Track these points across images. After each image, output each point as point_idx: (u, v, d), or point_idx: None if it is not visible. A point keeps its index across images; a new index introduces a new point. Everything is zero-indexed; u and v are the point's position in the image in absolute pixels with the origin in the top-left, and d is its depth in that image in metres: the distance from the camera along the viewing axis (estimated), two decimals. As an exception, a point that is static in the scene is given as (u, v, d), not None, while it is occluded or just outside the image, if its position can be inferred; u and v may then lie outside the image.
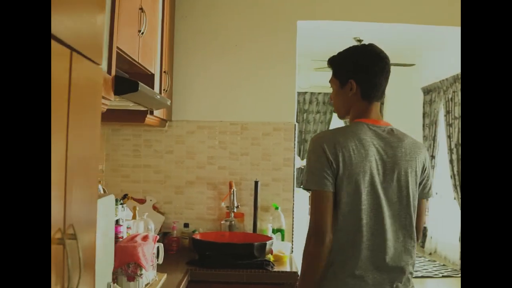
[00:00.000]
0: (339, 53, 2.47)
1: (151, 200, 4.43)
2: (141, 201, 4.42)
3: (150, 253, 3.12)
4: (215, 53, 4.49)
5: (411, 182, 2.33)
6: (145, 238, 3.20)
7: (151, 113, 3.69)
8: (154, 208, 4.43)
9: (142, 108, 3.55)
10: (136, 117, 3.67)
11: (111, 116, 3.58)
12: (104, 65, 2.57)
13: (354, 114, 2.41)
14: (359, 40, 8.41)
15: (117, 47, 2.74)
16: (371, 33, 7.78)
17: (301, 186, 2.37)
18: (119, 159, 4.48)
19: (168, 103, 3.58)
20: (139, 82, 2.73)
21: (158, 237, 3.35)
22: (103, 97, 2.57)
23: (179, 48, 4.49)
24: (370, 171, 2.25)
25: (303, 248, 2.29)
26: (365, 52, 2.39)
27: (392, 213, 2.29)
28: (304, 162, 5.97)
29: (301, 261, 2.31)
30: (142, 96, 2.91)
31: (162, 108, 3.67)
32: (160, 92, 3.97)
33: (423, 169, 2.40)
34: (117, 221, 3.33)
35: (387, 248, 2.27)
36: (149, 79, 3.65)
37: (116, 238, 3.19)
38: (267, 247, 3.81)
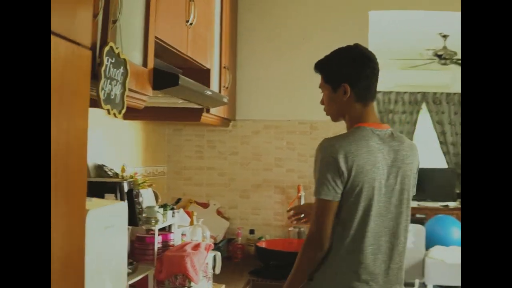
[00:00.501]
0: (327, 57, 2.45)
1: (214, 205, 4.18)
2: (205, 206, 4.18)
3: (201, 263, 2.85)
4: (282, 47, 4.19)
5: (411, 185, 2.38)
6: (196, 246, 2.93)
7: (208, 111, 3.43)
8: (218, 213, 4.18)
9: (196, 106, 3.29)
10: (191, 115, 3.42)
11: (162, 115, 3.36)
12: (138, 57, 2.32)
13: (352, 118, 2.38)
14: (445, 36, 7.85)
15: (157, 38, 2.49)
16: (457, 25, 7.22)
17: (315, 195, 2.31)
18: (181, 160, 4.25)
19: (225, 100, 3.30)
20: (180, 75, 2.46)
21: (212, 245, 3.08)
22: (139, 92, 2.33)
23: (242, 41, 4.22)
24: (378, 177, 2.26)
25: (300, 251, 2.33)
26: (354, 55, 2.38)
27: (395, 216, 2.32)
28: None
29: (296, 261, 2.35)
30: (186, 91, 2.64)
31: (218, 106, 3.41)
32: (220, 89, 3.71)
33: (417, 170, 2.45)
34: (169, 228, 3.09)
35: (390, 251, 2.31)
36: (204, 74, 3.40)
37: (167, 246, 2.95)
38: (336, 256, 3.46)
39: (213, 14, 3.46)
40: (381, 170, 2.26)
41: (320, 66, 2.47)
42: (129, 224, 2.56)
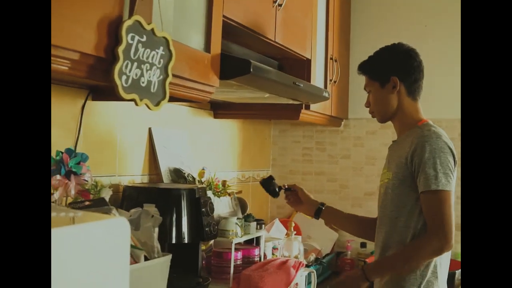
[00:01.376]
0: (370, 57, 2.34)
1: (323, 214, 3.72)
2: (312, 215, 3.74)
3: (285, 283, 2.42)
4: (401, 36, 3.61)
5: None
6: (282, 264, 2.51)
7: (307, 107, 2.99)
8: (327, 223, 3.71)
9: (292, 102, 2.87)
10: (288, 112, 3.02)
11: (254, 111, 3.01)
12: (197, 40, 1.95)
13: (407, 114, 2.25)
14: None
15: (227, 18, 2.11)
16: None
17: (434, 187, 2.06)
18: (287, 164, 3.84)
19: (326, 94, 2.85)
20: (253, 62, 2.06)
21: (303, 263, 2.64)
22: (199, 82, 1.95)
23: (356, 31, 3.74)
24: None
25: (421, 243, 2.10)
26: (399, 49, 2.29)
27: None
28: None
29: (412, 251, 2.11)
30: (265, 82, 2.23)
31: (317, 101, 2.95)
32: (325, 83, 3.27)
33: None
34: (256, 241, 2.69)
35: None
36: (303, 65, 2.98)
37: (250, 262, 2.56)
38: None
39: (313, -3, 3.02)
40: None
41: (364, 65, 2.33)
42: (195, 239, 2.21)
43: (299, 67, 2.96)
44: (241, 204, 2.82)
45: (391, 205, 2.19)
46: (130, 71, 1.50)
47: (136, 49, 1.52)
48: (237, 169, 3.36)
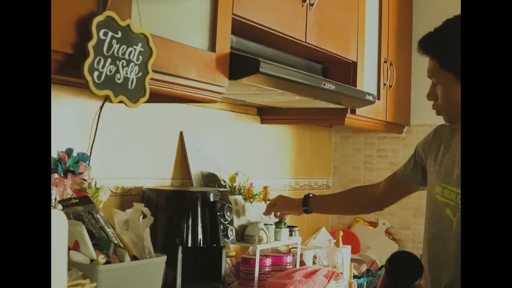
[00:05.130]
0: (442, 33, 1.73)
1: (384, 224, 3.58)
2: (373, 225, 3.60)
3: (314, 294, 2.33)
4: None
5: None
6: (310, 274, 2.41)
7: (353, 112, 2.88)
8: (388, 233, 3.56)
9: (334, 106, 2.78)
10: (333, 117, 2.94)
11: (298, 116, 2.96)
12: (197, 38, 1.91)
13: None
14: None
15: (239, 16, 2.06)
16: None
17: None
18: (349, 172, 3.72)
19: (369, 98, 2.73)
20: (262, 60, 2.00)
21: (337, 273, 2.53)
22: (205, 82, 1.91)
23: (419, 31, 3.55)
24: None
25: None
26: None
27: None
28: None
29: None
30: (279, 81, 2.15)
31: (361, 105, 2.83)
32: (378, 88, 3.14)
33: None
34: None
35: None
36: (347, 69, 2.87)
37: (280, 270, 2.48)
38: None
39: (358, -4, 2.91)
40: None
41: (437, 46, 1.74)
42: (210, 243, 2.16)
43: (344, 70, 2.87)
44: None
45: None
46: (103, 67, 1.49)
47: (110, 45, 1.51)
48: (289, 176, 3.29)
